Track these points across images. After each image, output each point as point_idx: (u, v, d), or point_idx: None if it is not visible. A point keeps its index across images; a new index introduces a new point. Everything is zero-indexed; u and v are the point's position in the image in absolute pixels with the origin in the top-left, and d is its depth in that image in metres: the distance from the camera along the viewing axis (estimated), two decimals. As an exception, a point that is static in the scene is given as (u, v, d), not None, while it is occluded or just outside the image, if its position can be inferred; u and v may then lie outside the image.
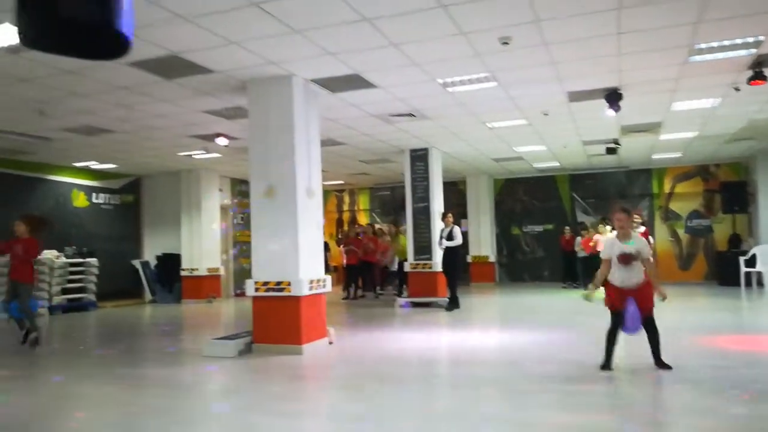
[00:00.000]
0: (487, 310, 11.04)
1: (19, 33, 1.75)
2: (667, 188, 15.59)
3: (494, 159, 13.55)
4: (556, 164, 14.60)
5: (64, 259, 11.81)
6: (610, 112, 7.72)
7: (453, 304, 10.21)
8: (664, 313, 9.58)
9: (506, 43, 5.72)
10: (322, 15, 4.99)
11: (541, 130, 10.13)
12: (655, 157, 13.69)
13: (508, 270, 16.94)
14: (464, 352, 6.64)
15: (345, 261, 13.83)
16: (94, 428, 4.00)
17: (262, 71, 6.45)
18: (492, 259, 16.53)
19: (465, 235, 12.33)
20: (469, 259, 15.99)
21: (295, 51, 5.85)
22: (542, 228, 16.63)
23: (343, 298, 13.12)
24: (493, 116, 9.02)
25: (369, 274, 13.79)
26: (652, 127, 10.15)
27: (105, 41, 1.82)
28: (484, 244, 16.36)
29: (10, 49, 5.54)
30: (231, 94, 7.28)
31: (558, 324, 8.31)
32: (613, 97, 7.49)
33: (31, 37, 1.78)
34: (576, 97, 7.87)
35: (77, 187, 13.04)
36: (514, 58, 6.22)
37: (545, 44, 5.82)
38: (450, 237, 10.20)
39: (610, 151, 11.35)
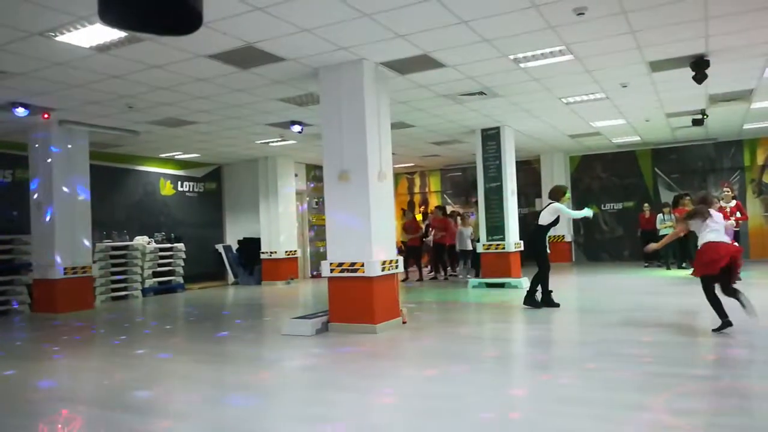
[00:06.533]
0: (567, 290, 10.77)
1: (100, 13, 1.92)
2: (760, 160, 14.52)
3: (570, 135, 13.10)
4: (636, 139, 13.92)
5: (154, 245, 12.58)
6: (696, 81, 7.28)
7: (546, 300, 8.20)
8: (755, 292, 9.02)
9: (582, 14, 5.51)
10: (391, -3, 4.99)
11: (621, 103, 9.69)
12: (747, 127, 12.76)
13: (585, 249, 16.43)
14: (539, 333, 6.55)
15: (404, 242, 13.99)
16: (180, 401, 4.28)
17: (332, 57, 6.55)
18: (568, 238, 16.09)
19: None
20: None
21: (366, 35, 5.90)
22: (622, 206, 15.98)
23: (402, 280, 13.08)
24: (568, 91, 8.72)
25: (440, 257, 13.77)
26: (743, 95, 9.46)
27: (179, 17, 1.98)
28: (560, 224, 15.89)
29: (100, 48, 5.92)
30: (303, 81, 7.44)
31: (641, 303, 8.00)
32: (700, 64, 7.06)
33: (112, 17, 1.95)
34: (658, 66, 7.47)
35: (164, 177, 13.82)
36: (591, 29, 5.98)
37: (624, 12, 5.55)
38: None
39: (697, 122, 10.68)
